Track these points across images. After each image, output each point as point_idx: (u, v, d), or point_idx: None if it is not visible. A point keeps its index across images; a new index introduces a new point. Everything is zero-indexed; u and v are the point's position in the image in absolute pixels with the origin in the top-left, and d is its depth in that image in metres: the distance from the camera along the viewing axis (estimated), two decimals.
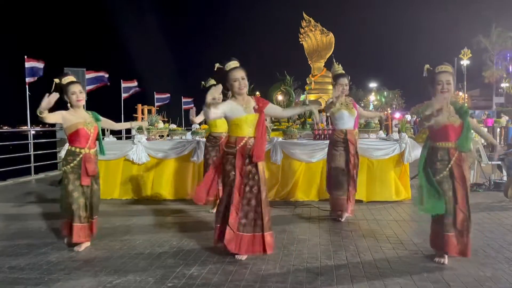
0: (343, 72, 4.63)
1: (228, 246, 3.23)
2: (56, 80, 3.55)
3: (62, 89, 3.56)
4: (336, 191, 4.52)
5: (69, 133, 3.59)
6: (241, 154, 3.30)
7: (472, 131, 3.25)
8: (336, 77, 4.59)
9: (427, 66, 3.29)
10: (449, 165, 3.15)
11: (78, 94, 3.58)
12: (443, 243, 3.12)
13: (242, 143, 3.30)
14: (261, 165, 3.36)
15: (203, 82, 4.96)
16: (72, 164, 3.58)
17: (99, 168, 3.81)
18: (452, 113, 3.17)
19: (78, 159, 3.59)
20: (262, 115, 3.36)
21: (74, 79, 3.64)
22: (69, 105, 3.63)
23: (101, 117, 3.81)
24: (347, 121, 4.52)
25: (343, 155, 4.49)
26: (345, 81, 4.53)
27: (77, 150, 3.59)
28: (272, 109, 3.50)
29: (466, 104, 3.30)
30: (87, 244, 3.65)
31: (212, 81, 4.92)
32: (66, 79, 3.58)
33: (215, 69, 3.43)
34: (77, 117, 3.60)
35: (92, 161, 3.66)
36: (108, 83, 11.92)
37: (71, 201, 3.56)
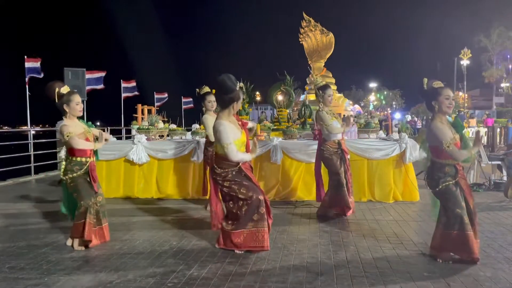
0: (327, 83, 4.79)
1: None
2: (57, 89, 3.56)
3: (59, 98, 3.57)
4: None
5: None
6: (246, 167, 3.46)
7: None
8: (323, 88, 4.65)
9: (425, 79, 3.28)
10: (456, 179, 3.21)
11: (80, 104, 3.67)
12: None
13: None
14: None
15: (197, 89, 4.97)
16: (78, 173, 3.61)
17: (98, 168, 3.84)
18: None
19: (85, 168, 3.64)
20: (247, 132, 3.50)
21: (72, 89, 3.68)
22: (67, 114, 3.59)
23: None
24: (339, 131, 4.58)
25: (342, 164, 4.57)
26: (331, 91, 4.65)
27: (83, 159, 3.64)
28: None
29: (457, 118, 3.30)
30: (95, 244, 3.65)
31: (207, 89, 4.92)
32: (65, 89, 3.60)
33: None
34: (77, 127, 3.63)
35: (95, 168, 3.77)
36: (103, 87, 11.79)
37: (84, 204, 3.55)
